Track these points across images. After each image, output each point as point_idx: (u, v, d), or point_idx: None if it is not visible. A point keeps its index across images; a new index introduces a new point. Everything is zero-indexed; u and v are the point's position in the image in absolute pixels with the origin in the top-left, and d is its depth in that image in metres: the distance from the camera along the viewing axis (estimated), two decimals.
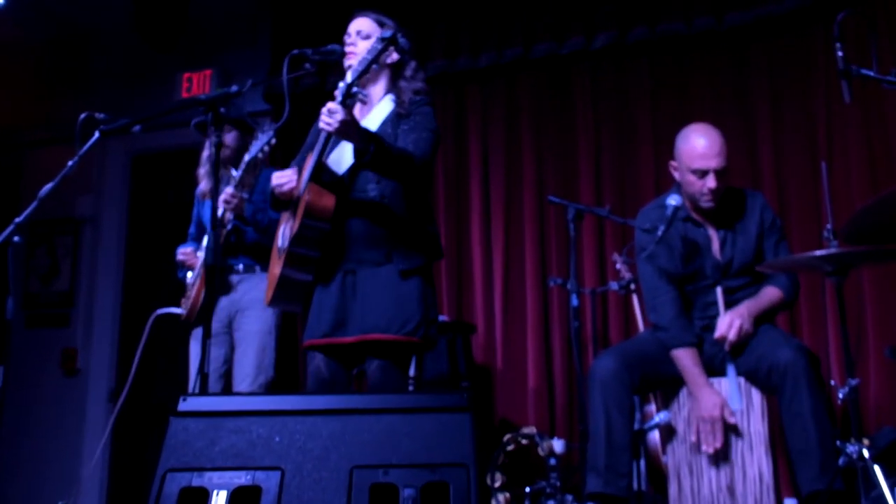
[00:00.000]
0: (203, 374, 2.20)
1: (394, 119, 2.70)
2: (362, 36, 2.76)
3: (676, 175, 3.17)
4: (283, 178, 2.67)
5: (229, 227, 3.67)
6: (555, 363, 4.77)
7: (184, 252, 3.84)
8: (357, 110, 2.71)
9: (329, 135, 2.48)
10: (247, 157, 3.43)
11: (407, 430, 1.89)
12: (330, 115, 2.39)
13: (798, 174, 4.47)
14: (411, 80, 2.73)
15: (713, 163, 3.01)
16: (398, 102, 2.70)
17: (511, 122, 5.15)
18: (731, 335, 2.93)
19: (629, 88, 4.93)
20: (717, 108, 4.66)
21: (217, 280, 3.53)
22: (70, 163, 2.60)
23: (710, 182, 3.02)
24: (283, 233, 2.78)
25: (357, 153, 2.53)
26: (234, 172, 3.56)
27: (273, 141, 3.32)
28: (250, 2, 5.88)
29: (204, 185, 3.86)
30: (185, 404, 1.93)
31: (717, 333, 2.96)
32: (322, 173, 2.62)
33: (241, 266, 3.76)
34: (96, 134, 2.61)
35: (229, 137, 3.83)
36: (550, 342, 4.82)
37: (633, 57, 4.93)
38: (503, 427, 4.65)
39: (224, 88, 2.60)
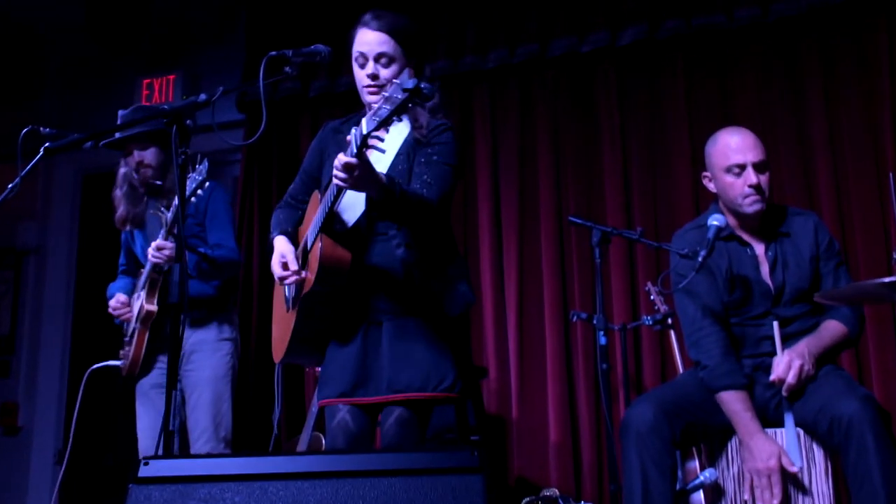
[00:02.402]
0: (168, 431, 2.19)
1: (410, 149, 2.72)
2: (386, 64, 2.73)
3: (711, 186, 3.23)
4: (287, 273, 2.69)
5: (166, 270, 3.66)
6: (580, 412, 4.74)
7: (116, 306, 3.83)
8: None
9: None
10: (177, 201, 3.32)
11: (409, 496, 1.88)
12: (345, 171, 2.40)
13: (861, 189, 4.47)
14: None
15: (750, 155, 3.09)
16: (415, 126, 2.72)
17: (525, 131, 5.17)
18: (791, 378, 2.91)
19: (661, 91, 4.95)
20: (765, 113, 4.67)
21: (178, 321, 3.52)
22: (10, 185, 2.60)
23: (751, 177, 3.07)
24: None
25: (373, 204, 2.59)
26: (165, 214, 3.52)
27: (207, 184, 3.26)
28: None
29: (122, 210, 3.86)
30: (148, 469, 1.92)
31: (774, 375, 2.95)
32: (333, 222, 2.66)
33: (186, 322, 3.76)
34: (41, 151, 2.61)
35: (148, 154, 3.81)
36: (574, 387, 4.79)
37: (665, 54, 4.96)
38: (521, 488, 4.61)
39: (191, 97, 2.61)
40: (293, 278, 2.66)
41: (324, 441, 4.03)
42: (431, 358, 2.63)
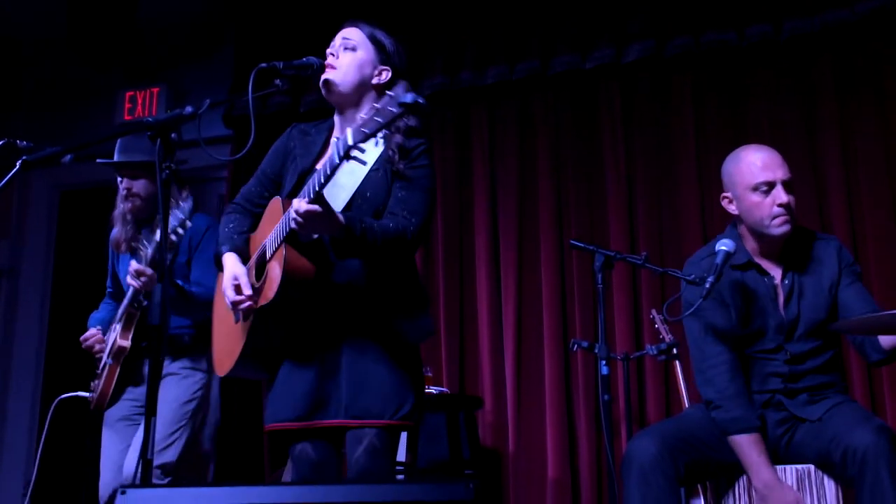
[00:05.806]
0: (146, 459, 2.19)
1: (386, 163, 2.71)
2: (347, 47, 2.79)
3: (732, 208, 3.18)
4: (241, 299, 2.68)
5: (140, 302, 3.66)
6: (580, 446, 4.74)
7: (87, 336, 3.85)
8: (337, 129, 2.72)
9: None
10: (157, 238, 3.37)
11: None
12: (300, 217, 2.44)
13: (876, 217, 4.49)
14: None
15: (779, 172, 3.07)
16: (390, 161, 2.71)
17: (525, 151, 5.19)
18: None
19: (668, 110, 4.98)
20: (776, 135, 4.67)
21: (161, 343, 3.54)
22: None
23: (780, 195, 3.04)
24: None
25: (336, 244, 2.60)
26: (146, 248, 3.54)
27: (188, 223, 3.32)
28: (209, 6, 5.96)
29: (116, 231, 3.88)
30: (124, 499, 1.91)
31: None
32: (297, 234, 2.66)
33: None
34: (17, 165, 2.61)
35: (137, 184, 3.83)
36: (574, 420, 4.79)
37: (673, 72, 4.99)
38: None
39: (176, 110, 2.61)
40: (247, 304, 2.65)
41: None
42: (391, 384, 2.63)
